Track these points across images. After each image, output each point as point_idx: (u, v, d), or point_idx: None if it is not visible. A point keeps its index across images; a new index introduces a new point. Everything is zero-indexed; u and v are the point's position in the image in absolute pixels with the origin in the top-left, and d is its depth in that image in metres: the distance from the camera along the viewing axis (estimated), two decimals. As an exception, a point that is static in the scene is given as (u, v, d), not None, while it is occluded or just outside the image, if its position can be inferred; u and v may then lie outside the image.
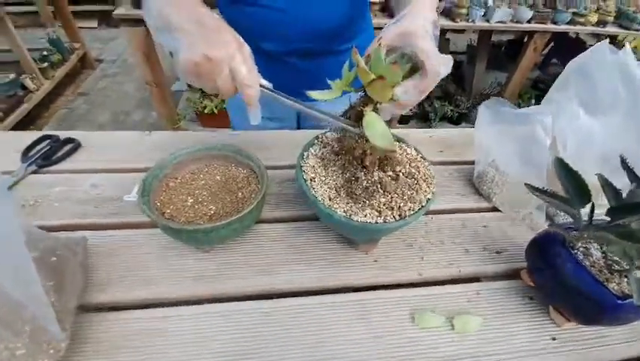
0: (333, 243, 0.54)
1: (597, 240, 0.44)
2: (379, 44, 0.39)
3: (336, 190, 0.45)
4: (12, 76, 1.96)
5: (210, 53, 0.39)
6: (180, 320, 0.43)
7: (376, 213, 0.42)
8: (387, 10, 1.78)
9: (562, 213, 0.60)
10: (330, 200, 0.44)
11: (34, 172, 0.63)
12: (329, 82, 0.43)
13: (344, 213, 0.42)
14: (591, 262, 0.43)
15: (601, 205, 0.41)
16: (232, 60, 0.40)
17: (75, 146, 0.68)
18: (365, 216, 0.41)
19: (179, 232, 0.43)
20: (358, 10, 0.67)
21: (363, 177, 0.44)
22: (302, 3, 0.60)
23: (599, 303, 0.40)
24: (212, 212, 0.47)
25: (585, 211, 0.42)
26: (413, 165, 0.48)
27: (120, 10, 1.41)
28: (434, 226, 0.58)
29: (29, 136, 0.68)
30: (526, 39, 2.09)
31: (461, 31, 3.35)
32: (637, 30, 1.89)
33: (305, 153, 0.49)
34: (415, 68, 0.40)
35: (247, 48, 0.43)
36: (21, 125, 2.01)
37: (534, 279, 0.49)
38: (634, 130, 0.53)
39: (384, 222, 0.41)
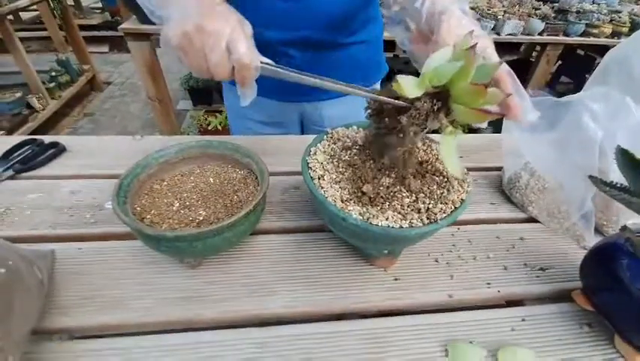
0: (344, 257, 0.45)
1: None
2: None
3: (349, 191, 0.37)
4: (18, 95, 1.96)
5: (205, 23, 0.34)
6: (157, 352, 0.35)
7: (400, 217, 0.34)
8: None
9: (611, 225, 0.52)
10: (342, 202, 0.36)
11: (11, 177, 0.56)
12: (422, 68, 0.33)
13: (360, 217, 0.34)
14: (668, 280, 0.34)
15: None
16: (230, 34, 0.35)
17: (59, 150, 0.61)
18: (386, 219, 0.33)
19: (158, 240, 0.35)
20: None
21: (383, 174, 0.37)
22: None
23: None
24: (201, 218, 0.40)
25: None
26: (440, 161, 0.40)
27: (126, 25, 1.41)
28: (463, 238, 0.49)
29: (15, 140, 0.62)
30: (534, 56, 2.05)
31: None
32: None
33: (312, 149, 0.42)
34: None
35: (249, 26, 0.38)
36: (24, 144, 1.99)
37: (593, 301, 0.39)
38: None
39: (411, 226, 0.33)
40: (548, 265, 0.46)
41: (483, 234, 0.50)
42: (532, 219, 0.54)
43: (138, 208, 0.40)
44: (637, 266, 0.34)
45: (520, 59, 3.04)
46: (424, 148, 0.43)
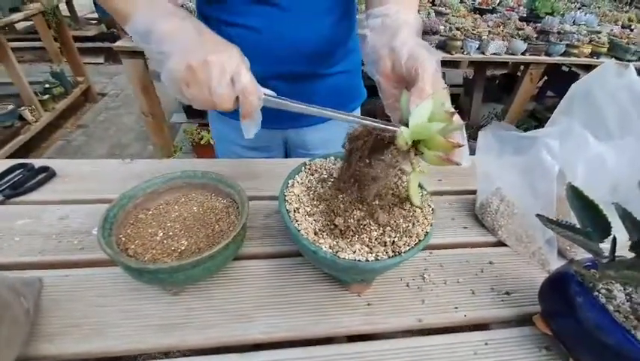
0: (320, 283, 0.48)
1: (622, 279, 0.38)
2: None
3: (322, 223, 0.40)
4: (10, 107, 1.97)
5: (209, 57, 0.36)
6: (136, 379, 0.37)
7: (367, 250, 0.37)
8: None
9: (573, 249, 0.55)
10: (315, 234, 0.38)
11: (1, 203, 0.58)
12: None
13: (330, 250, 0.36)
14: (615, 306, 0.37)
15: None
16: (235, 66, 0.37)
17: (49, 175, 0.63)
18: (354, 252, 0.36)
19: (140, 272, 0.37)
20: (344, 31, 0.65)
21: (355, 208, 0.40)
22: (276, 23, 0.57)
23: (628, 357, 0.33)
24: (183, 248, 0.42)
25: (605, 247, 0.37)
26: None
27: (120, 43, 1.44)
28: (435, 262, 0.52)
29: (4, 165, 0.64)
30: (521, 71, 2.12)
31: (456, 65, 3.46)
32: (630, 61, 1.91)
33: (290, 181, 0.44)
34: None
35: (247, 61, 0.41)
36: (16, 157, 1.99)
37: (550, 326, 0.42)
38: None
39: (376, 259, 0.36)
40: (514, 289, 0.49)
41: (454, 258, 0.53)
42: (501, 243, 0.57)
43: (123, 238, 0.42)
44: (586, 296, 0.37)
45: (508, 74, 3.13)
46: (395, 180, 0.45)
